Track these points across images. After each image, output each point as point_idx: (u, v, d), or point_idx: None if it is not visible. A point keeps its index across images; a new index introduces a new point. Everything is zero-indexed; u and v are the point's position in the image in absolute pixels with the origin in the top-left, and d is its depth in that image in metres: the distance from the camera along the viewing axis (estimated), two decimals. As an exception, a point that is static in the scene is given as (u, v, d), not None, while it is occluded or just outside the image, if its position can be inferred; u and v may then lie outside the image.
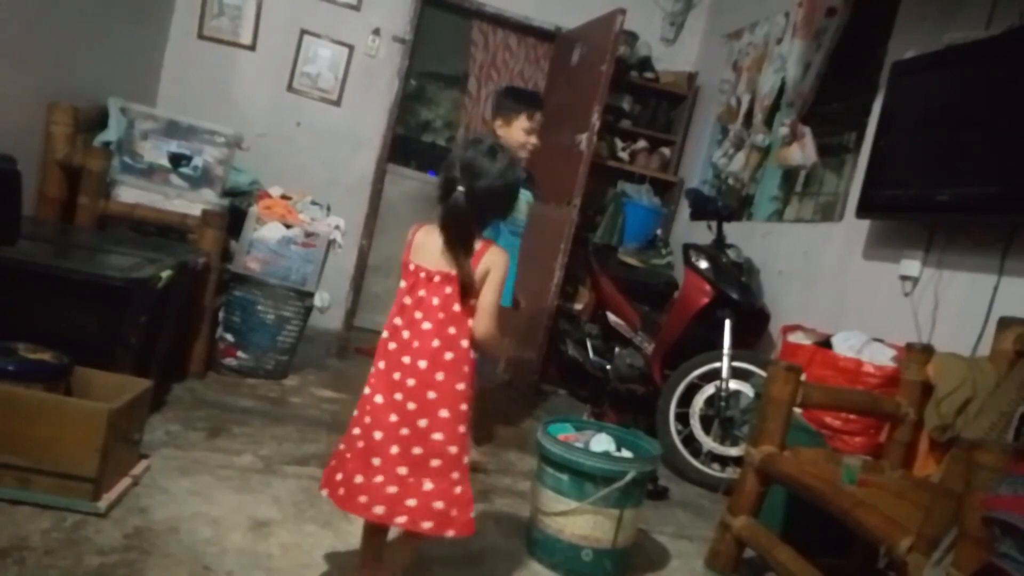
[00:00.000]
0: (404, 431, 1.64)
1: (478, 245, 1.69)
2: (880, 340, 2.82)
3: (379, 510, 1.62)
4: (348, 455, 1.70)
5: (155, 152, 3.27)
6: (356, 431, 1.70)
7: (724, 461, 3.26)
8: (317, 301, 3.47)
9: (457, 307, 1.68)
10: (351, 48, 4.73)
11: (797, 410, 2.38)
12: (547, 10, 4.97)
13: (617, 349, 3.92)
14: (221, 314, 3.34)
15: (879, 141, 3.10)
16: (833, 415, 2.67)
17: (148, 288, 2.34)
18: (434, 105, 5.37)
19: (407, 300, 1.74)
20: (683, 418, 3.29)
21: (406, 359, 1.68)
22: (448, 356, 1.67)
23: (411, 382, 1.66)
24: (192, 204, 3.21)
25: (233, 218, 3.28)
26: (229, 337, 3.33)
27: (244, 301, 3.33)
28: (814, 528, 2.20)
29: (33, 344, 2.04)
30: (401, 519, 1.61)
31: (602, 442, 2.31)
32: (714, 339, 3.32)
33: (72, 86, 3.27)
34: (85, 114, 3.26)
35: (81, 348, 2.13)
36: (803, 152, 3.65)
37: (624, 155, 5.07)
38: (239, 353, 3.33)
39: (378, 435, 1.65)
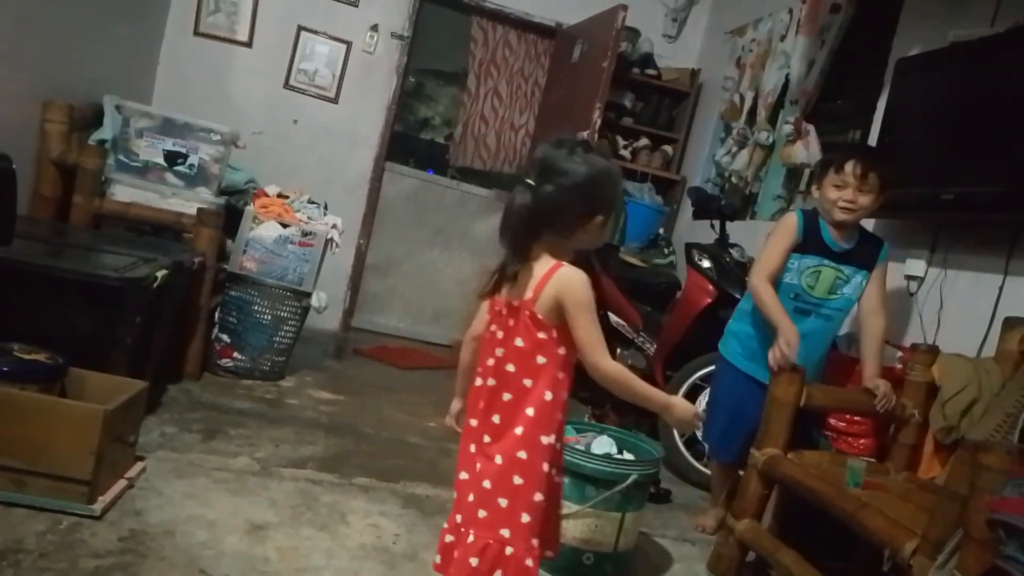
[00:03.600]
0: (463, 475, 1.53)
1: (547, 265, 1.45)
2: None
3: (435, 559, 1.53)
4: None
5: (150, 150, 3.23)
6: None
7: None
8: (314, 301, 3.44)
9: (520, 341, 1.45)
10: (349, 45, 4.70)
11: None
12: (548, 6, 4.94)
13: (619, 350, 3.89)
14: (217, 314, 3.31)
15: (883, 139, 3.07)
16: (837, 417, 2.64)
17: (143, 288, 2.31)
18: (433, 102, 5.35)
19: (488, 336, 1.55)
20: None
21: (471, 397, 1.54)
22: (506, 396, 1.46)
23: (474, 422, 1.52)
24: (188, 203, 3.17)
25: (229, 217, 3.25)
26: (225, 338, 3.30)
27: (240, 301, 3.30)
28: (818, 531, 2.17)
29: (28, 344, 2.01)
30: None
31: (603, 444, 2.29)
32: (717, 340, 3.28)
33: (67, 84, 3.24)
34: (80, 112, 3.23)
35: (76, 349, 2.11)
36: (807, 150, 3.62)
37: (626, 153, 5.04)
38: (235, 354, 3.30)
39: (463, 475, 1.53)
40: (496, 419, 1.47)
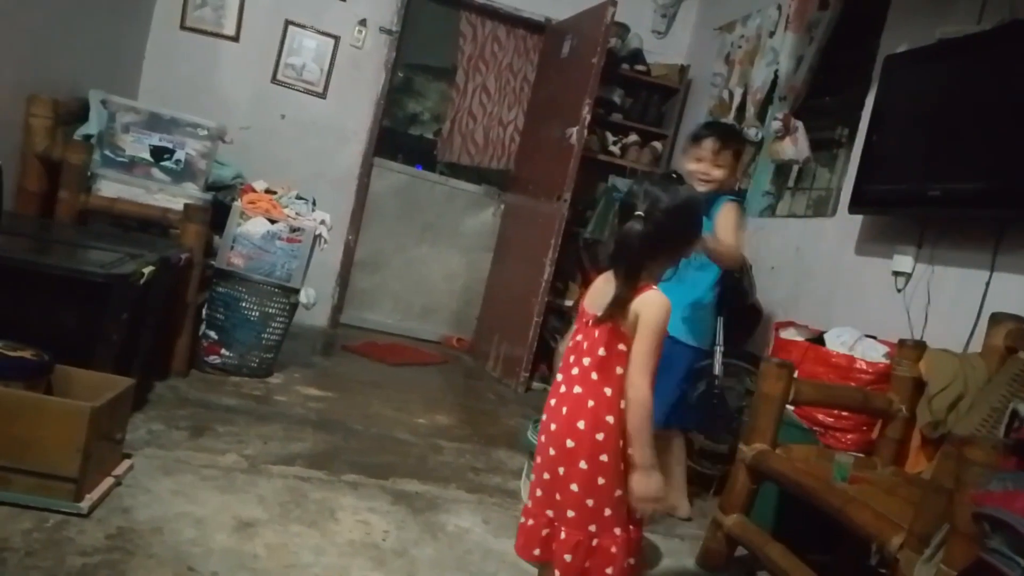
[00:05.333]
0: (546, 475, 1.64)
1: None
2: (872, 336, 2.81)
3: (536, 551, 1.66)
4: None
5: (136, 145, 3.20)
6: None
7: (716, 458, 3.24)
8: (303, 298, 3.43)
9: (602, 351, 1.57)
10: (337, 39, 4.67)
11: (789, 407, 2.37)
12: (537, 1, 4.93)
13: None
14: (204, 311, 3.29)
15: (872, 136, 3.08)
16: (825, 412, 2.66)
17: (130, 284, 2.29)
18: (422, 98, 5.32)
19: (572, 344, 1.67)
20: (674, 414, 3.27)
21: (553, 402, 1.65)
22: (590, 403, 1.57)
23: (554, 427, 1.62)
24: (174, 198, 3.15)
25: (216, 213, 3.23)
26: (212, 334, 3.28)
27: (228, 297, 3.28)
28: (805, 525, 2.18)
29: (13, 341, 1.99)
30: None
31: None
32: (705, 335, 3.29)
33: (52, 78, 3.20)
34: (65, 107, 3.19)
35: (62, 345, 2.08)
36: (796, 147, 3.63)
37: (615, 149, 5.04)
38: (223, 351, 3.28)
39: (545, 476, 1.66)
40: (581, 425, 1.58)
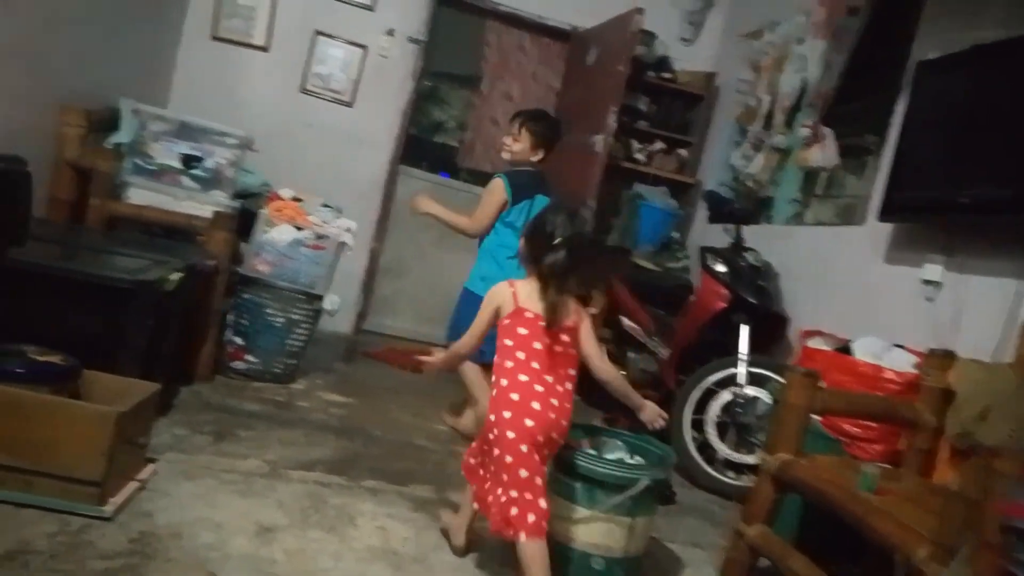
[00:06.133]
0: (509, 458, 1.94)
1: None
2: (901, 346, 2.76)
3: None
4: None
5: (166, 154, 3.25)
6: None
7: (739, 468, 3.20)
8: (327, 304, 3.45)
9: (563, 350, 2.09)
10: (364, 49, 4.72)
11: (815, 417, 2.33)
12: (562, 9, 4.94)
13: (631, 354, 3.87)
14: (229, 317, 3.33)
15: (903, 143, 3.03)
16: (851, 422, 2.61)
17: (156, 290, 2.33)
18: (446, 106, 5.35)
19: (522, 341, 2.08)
20: (698, 425, 3.24)
21: (517, 396, 2.01)
22: (567, 405, 2.06)
23: (531, 423, 1.96)
24: (202, 206, 3.19)
25: (243, 220, 3.27)
26: (237, 340, 3.32)
27: (253, 304, 3.31)
28: (829, 537, 2.15)
29: (41, 346, 2.03)
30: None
31: (614, 449, 2.28)
32: (730, 344, 3.26)
33: (84, 87, 3.27)
34: (97, 115, 3.26)
35: (88, 350, 2.12)
36: (823, 154, 3.59)
37: (640, 156, 5.02)
38: (247, 356, 3.32)
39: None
40: (564, 423, 2.02)
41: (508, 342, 2.02)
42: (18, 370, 1.93)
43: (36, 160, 2.18)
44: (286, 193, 3.58)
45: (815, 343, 3.05)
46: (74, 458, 1.85)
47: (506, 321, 2.04)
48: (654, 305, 3.92)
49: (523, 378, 1.97)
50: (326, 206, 3.61)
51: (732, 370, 3.21)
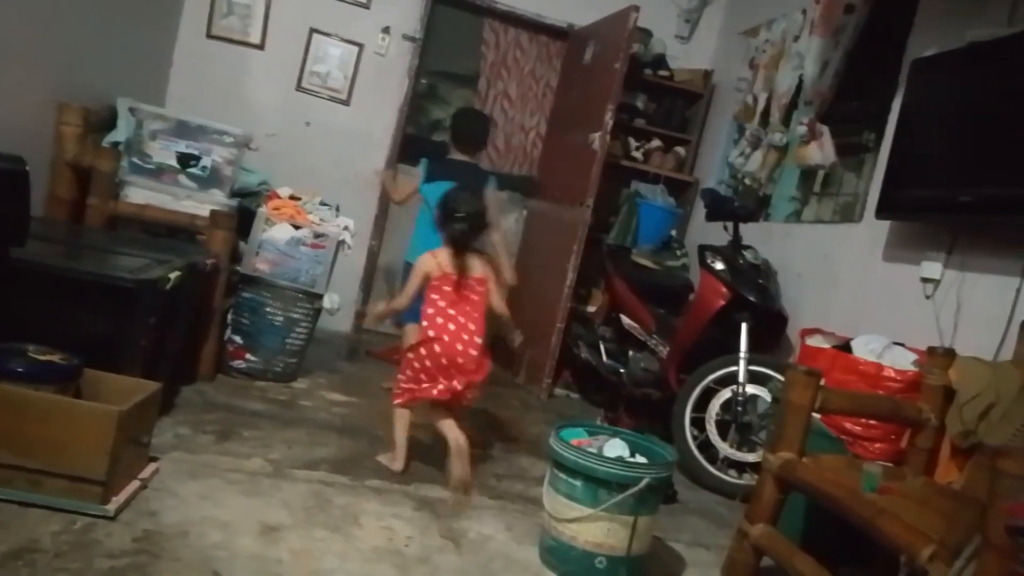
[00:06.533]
0: (460, 360, 2.63)
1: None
2: (901, 344, 2.77)
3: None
4: None
5: (164, 152, 3.24)
6: None
7: (741, 467, 3.21)
8: (326, 303, 3.44)
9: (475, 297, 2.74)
10: (361, 47, 4.71)
11: (816, 415, 2.33)
12: (559, 7, 4.94)
13: (631, 352, 3.87)
14: (230, 316, 3.32)
15: (899, 140, 3.05)
16: (853, 420, 2.62)
17: (157, 289, 2.32)
18: (445, 104, 5.33)
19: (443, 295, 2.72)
20: (699, 423, 3.24)
21: (452, 326, 2.66)
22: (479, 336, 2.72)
23: (460, 347, 2.62)
24: (201, 205, 3.18)
25: (242, 219, 3.26)
26: (238, 339, 3.31)
27: (253, 303, 3.30)
28: (834, 536, 2.15)
29: (43, 346, 2.02)
30: None
31: (616, 447, 2.27)
32: (731, 343, 3.27)
33: (82, 86, 3.25)
34: (95, 114, 3.24)
35: (90, 350, 2.11)
36: (822, 151, 3.60)
37: (638, 154, 5.02)
38: (248, 355, 3.31)
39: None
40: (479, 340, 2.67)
41: (434, 296, 2.65)
42: (20, 369, 1.92)
43: (34, 159, 2.16)
44: (284, 192, 3.57)
45: (815, 341, 3.06)
46: (77, 457, 1.84)
47: (435, 283, 2.66)
48: (655, 304, 3.92)
49: (439, 320, 2.62)
50: (324, 204, 3.60)
51: (732, 368, 3.21)
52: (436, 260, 2.66)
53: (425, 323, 2.63)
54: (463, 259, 2.66)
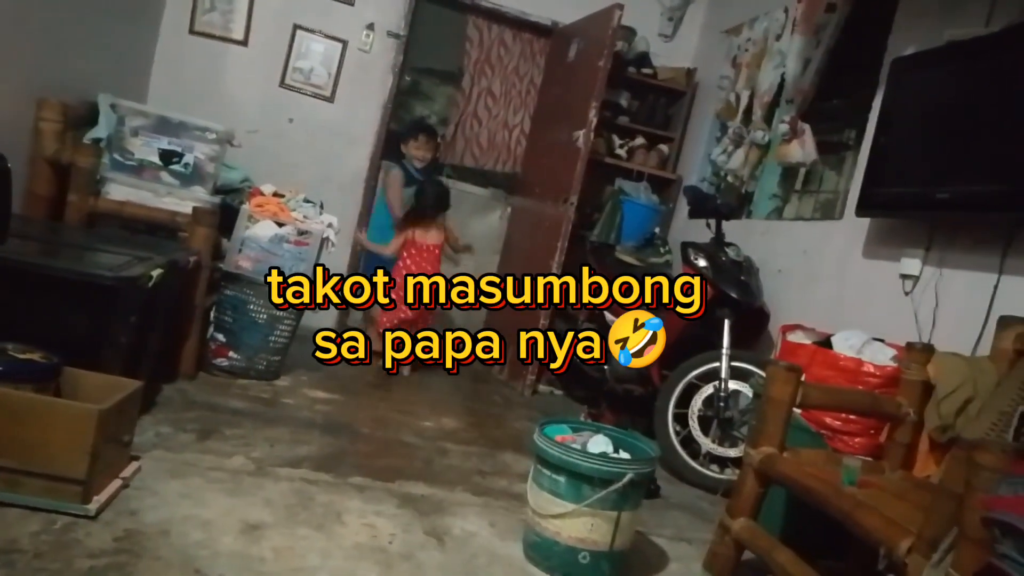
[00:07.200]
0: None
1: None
2: (880, 339, 2.80)
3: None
4: None
5: (145, 149, 3.22)
6: None
7: (723, 462, 3.23)
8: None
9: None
10: (345, 43, 4.69)
11: (797, 410, 2.36)
12: (544, 5, 4.94)
13: (614, 348, 3.88)
14: (212, 314, 3.30)
15: (879, 138, 3.07)
16: (833, 415, 2.65)
17: (138, 287, 2.30)
18: (429, 101, 5.33)
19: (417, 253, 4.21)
20: (681, 419, 3.27)
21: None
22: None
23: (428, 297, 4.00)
24: (183, 202, 3.16)
25: (225, 216, 3.24)
26: (220, 337, 3.29)
27: (236, 300, 3.29)
28: (814, 530, 2.17)
29: (22, 344, 2.00)
30: None
31: (599, 443, 2.28)
32: (713, 339, 3.29)
33: (61, 82, 3.22)
34: (75, 110, 3.21)
35: (70, 348, 2.09)
36: (803, 149, 3.62)
37: (622, 152, 5.04)
38: (231, 353, 3.29)
39: None
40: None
41: (408, 255, 4.10)
42: (-1, 368, 1.90)
43: (12, 155, 2.14)
44: (267, 188, 3.55)
45: (796, 337, 3.09)
46: (57, 456, 1.83)
47: (412, 247, 4.08)
48: (637, 300, 3.93)
49: (413, 270, 4.01)
50: (308, 201, 3.59)
51: (714, 364, 3.24)
52: (412, 229, 4.10)
53: (406, 273, 4.06)
54: (427, 227, 4.13)
